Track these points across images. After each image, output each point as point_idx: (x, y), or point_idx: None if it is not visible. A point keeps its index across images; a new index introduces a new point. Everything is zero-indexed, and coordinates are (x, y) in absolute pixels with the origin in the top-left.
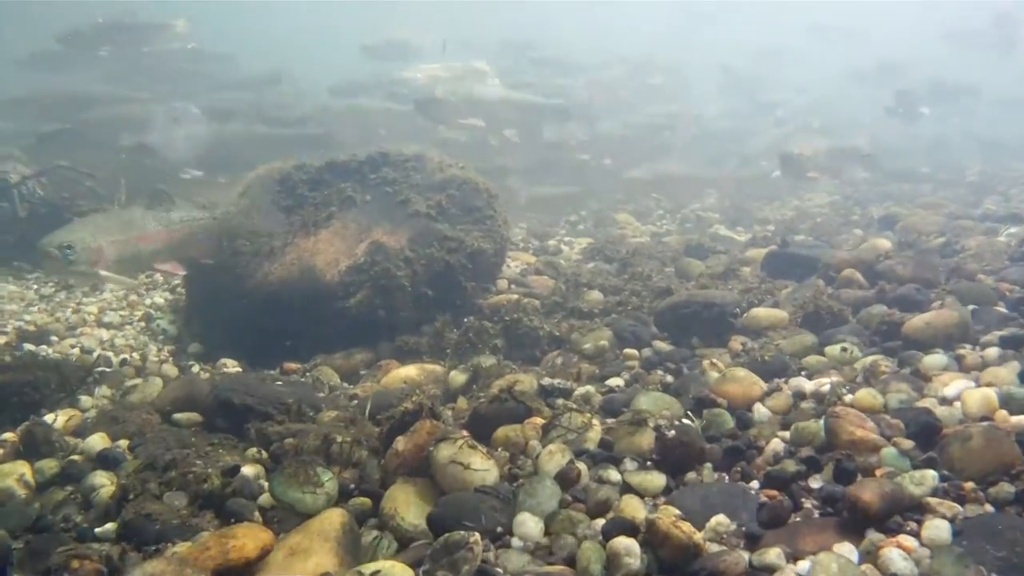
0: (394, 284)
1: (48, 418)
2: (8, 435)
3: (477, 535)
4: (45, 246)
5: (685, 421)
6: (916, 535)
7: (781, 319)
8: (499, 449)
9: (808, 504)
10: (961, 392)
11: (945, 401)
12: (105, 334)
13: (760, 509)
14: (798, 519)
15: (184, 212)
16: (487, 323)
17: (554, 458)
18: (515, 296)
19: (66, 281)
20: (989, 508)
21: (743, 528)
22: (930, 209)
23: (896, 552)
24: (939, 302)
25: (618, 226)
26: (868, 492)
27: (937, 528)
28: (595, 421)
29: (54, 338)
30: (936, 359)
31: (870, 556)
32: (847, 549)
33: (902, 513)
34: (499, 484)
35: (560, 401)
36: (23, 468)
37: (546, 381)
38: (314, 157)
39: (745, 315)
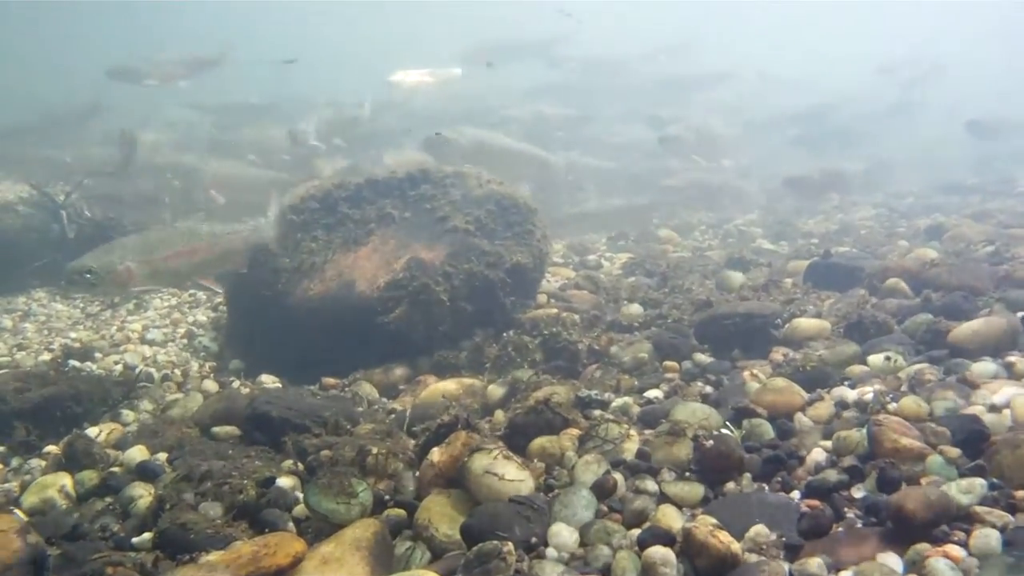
0: (433, 299)
1: (90, 431)
2: (51, 447)
3: (510, 545)
4: (69, 272)
5: (724, 431)
6: (964, 545)
7: (823, 329)
8: (535, 460)
9: (850, 514)
10: (1011, 399)
11: (994, 408)
12: (148, 351)
13: (800, 519)
14: (840, 529)
15: (218, 226)
16: (526, 337)
17: (590, 468)
18: (554, 310)
19: (111, 300)
20: None
21: (783, 538)
22: (979, 219)
23: (943, 562)
24: (987, 310)
25: (659, 241)
26: (913, 501)
27: (986, 537)
28: (632, 432)
29: (98, 354)
30: (984, 367)
31: (915, 566)
32: (891, 559)
33: (949, 523)
34: (534, 495)
35: (597, 412)
36: (64, 479)
37: (583, 393)
38: (353, 175)
39: (787, 326)
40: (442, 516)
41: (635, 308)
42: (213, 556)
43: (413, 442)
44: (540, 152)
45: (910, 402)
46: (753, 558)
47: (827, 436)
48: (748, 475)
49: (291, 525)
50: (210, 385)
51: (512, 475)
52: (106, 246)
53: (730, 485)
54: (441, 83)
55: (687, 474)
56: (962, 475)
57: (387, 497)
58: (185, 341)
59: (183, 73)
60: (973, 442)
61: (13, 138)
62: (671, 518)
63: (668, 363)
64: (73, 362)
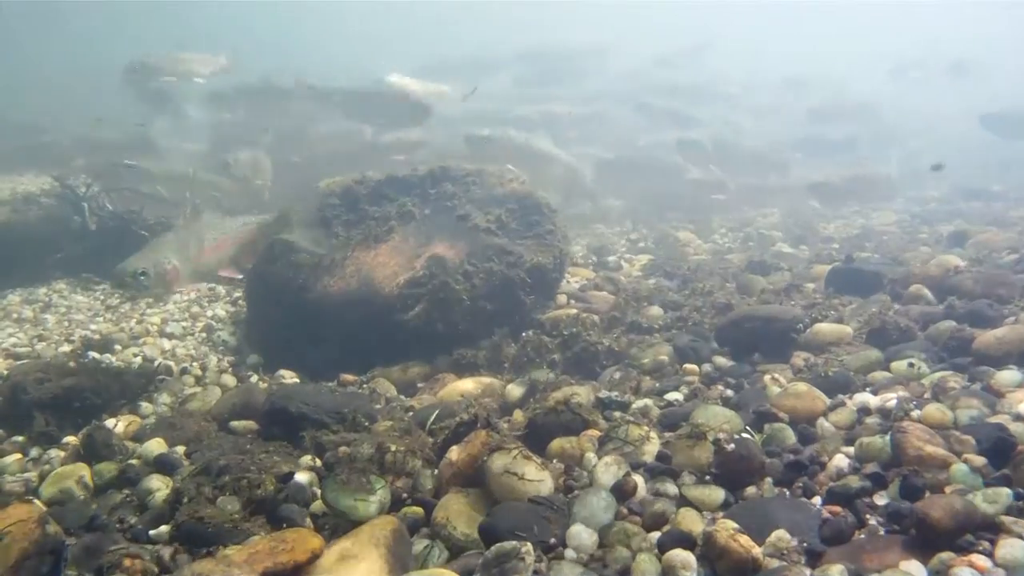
0: (452, 297)
1: (109, 423)
2: (70, 438)
3: (529, 545)
4: (120, 275)
5: (745, 435)
6: (990, 555)
7: (845, 335)
8: (554, 461)
9: (873, 521)
10: None
11: (1019, 418)
12: (167, 344)
13: (822, 525)
14: (862, 536)
15: (239, 218)
16: (545, 337)
17: (610, 470)
18: (574, 311)
19: (132, 293)
20: None
21: (804, 544)
22: (1003, 226)
23: (969, 572)
24: (1012, 318)
25: (679, 243)
26: (938, 509)
27: (1013, 548)
28: (653, 434)
29: (118, 347)
30: (1009, 375)
31: (940, 575)
32: (915, 567)
33: (974, 532)
34: (553, 495)
35: (617, 414)
36: (83, 470)
37: (603, 394)
38: (376, 171)
39: (808, 331)
40: (460, 515)
41: (655, 310)
42: (231, 550)
43: (431, 440)
44: (570, 159)
45: (934, 410)
46: (774, 563)
47: (849, 442)
48: (769, 480)
49: (309, 521)
50: (228, 379)
51: (532, 475)
52: (150, 246)
53: (751, 490)
54: (431, 93)
55: (707, 478)
56: (987, 484)
57: (405, 495)
58: (204, 335)
59: (199, 73)
60: (999, 451)
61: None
62: (691, 521)
63: (688, 366)
64: (93, 354)
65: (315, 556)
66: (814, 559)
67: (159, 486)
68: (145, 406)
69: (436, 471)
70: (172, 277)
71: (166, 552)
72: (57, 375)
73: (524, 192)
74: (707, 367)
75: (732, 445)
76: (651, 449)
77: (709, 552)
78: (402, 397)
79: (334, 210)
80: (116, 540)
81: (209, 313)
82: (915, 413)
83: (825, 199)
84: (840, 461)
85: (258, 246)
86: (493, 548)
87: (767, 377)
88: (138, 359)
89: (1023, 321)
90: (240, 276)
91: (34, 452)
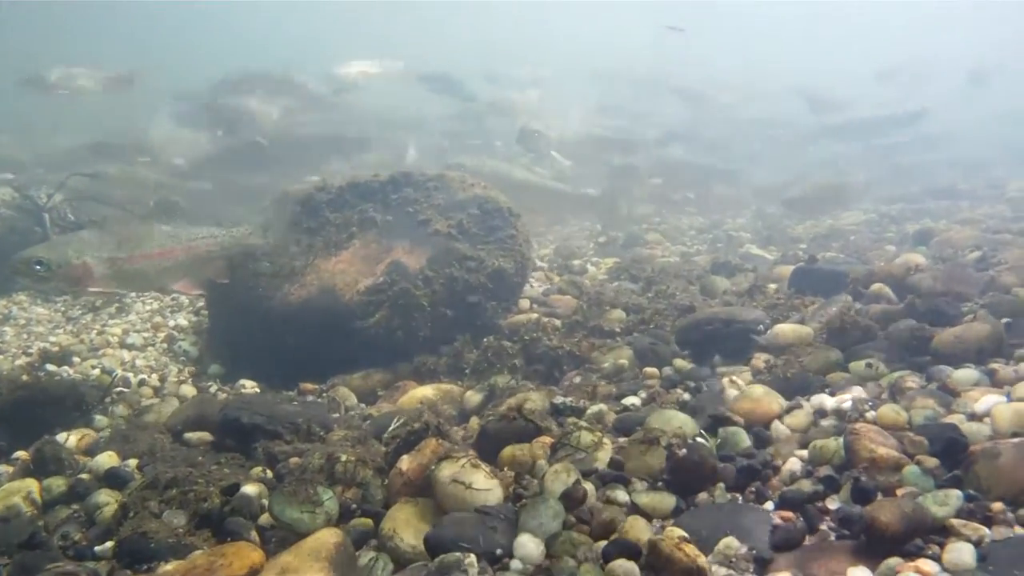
0: (413, 304)
1: (61, 437)
2: (21, 453)
3: (473, 557)
4: (16, 261)
5: (699, 439)
6: (937, 559)
7: (806, 335)
8: (505, 469)
9: (824, 526)
10: (992, 407)
11: (974, 417)
12: (127, 355)
13: (773, 531)
14: (812, 542)
15: (199, 229)
16: (506, 343)
17: (560, 478)
18: (535, 315)
19: (93, 303)
20: (1019, 530)
21: (753, 551)
22: (967, 224)
23: None
24: (971, 315)
25: (647, 246)
26: (886, 513)
27: (960, 552)
28: (606, 440)
29: (76, 359)
30: (966, 374)
31: None
32: (862, 574)
33: (923, 535)
34: (502, 504)
35: (571, 420)
36: (32, 485)
37: (558, 400)
38: (337, 177)
39: (769, 332)
40: (407, 526)
41: (617, 313)
42: (170, 566)
43: (384, 449)
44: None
45: (888, 410)
46: (722, 571)
47: (804, 445)
48: (722, 485)
49: (255, 534)
50: (188, 390)
51: (480, 484)
52: (65, 237)
53: (703, 495)
54: (384, 74)
55: (659, 484)
56: (939, 486)
57: (354, 506)
58: (165, 346)
59: (94, 86)
60: (951, 452)
61: None
62: (639, 529)
63: (648, 369)
64: (50, 366)
65: (255, 571)
66: (762, 567)
67: (107, 501)
68: (100, 419)
69: (387, 481)
70: (80, 274)
71: (103, 569)
72: (8, 389)
73: (486, 196)
74: (667, 370)
75: (684, 450)
76: (604, 456)
77: (654, 561)
78: (362, 405)
79: (295, 217)
80: (55, 558)
81: (171, 323)
82: (870, 414)
83: (799, 211)
84: (793, 465)
85: (219, 264)
86: (436, 560)
87: (726, 380)
88: (96, 371)
89: (981, 319)
90: (198, 292)
91: None
